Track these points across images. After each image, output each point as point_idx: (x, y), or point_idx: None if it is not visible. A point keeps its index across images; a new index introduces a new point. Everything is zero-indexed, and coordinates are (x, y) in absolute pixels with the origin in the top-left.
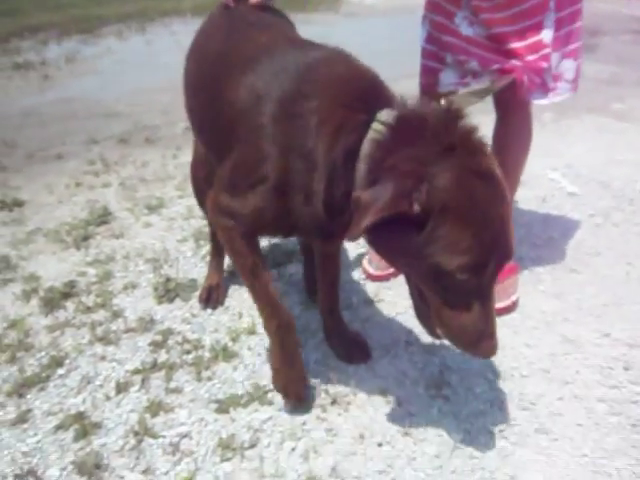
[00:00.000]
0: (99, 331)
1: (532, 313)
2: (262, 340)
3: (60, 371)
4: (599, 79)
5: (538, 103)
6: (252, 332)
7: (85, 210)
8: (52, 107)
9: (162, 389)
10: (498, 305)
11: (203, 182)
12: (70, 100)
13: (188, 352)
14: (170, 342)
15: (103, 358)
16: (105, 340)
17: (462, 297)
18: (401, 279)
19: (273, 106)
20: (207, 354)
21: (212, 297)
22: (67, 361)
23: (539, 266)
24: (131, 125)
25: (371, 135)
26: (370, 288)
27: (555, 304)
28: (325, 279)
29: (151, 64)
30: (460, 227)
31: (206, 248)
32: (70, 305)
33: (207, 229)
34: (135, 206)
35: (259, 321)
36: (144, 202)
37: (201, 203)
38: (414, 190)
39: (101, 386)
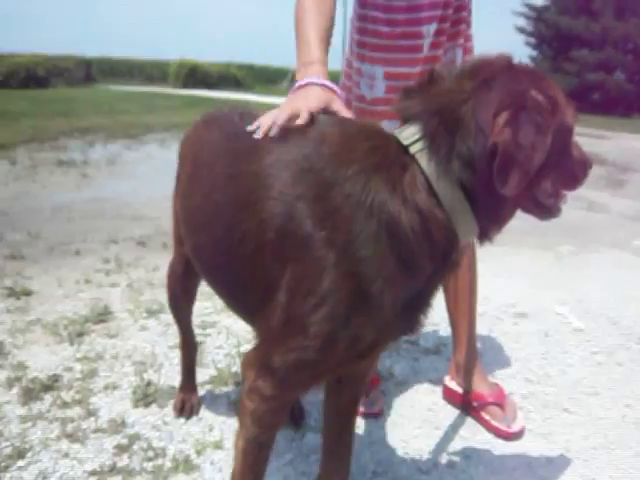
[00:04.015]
0: (69, 428)
1: (514, 452)
2: (227, 456)
3: (20, 463)
4: (624, 215)
5: None
6: (219, 447)
7: (88, 307)
8: (83, 205)
9: None
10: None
11: (178, 288)
12: (102, 200)
13: (150, 459)
14: (135, 447)
15: (66, 455)
16: (73, 437)
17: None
18: None
19: (311, 206)
20: (168, 464)
21: (186, 407)
22: (30, 454)
23: (529, 404)
24: (152, 229)
25: (415, 149)
26: None
27: (541, 444)
28: (340, 410)
29: None
30: (561, 93)
31: None
32: (48, 398)
33: (199, 338)
34: (136, 308)
35: (228, 435)
36: (146, 305)
37: (173, 301)
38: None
39: None
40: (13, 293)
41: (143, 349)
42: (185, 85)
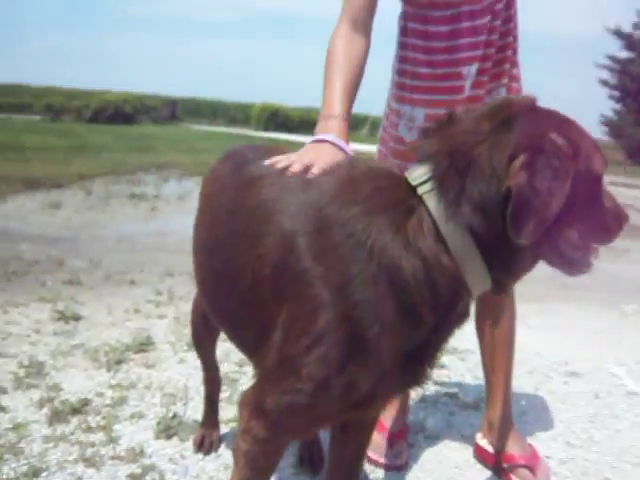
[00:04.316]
0: (88, 452)
1: None
2: None
3: None
4: None
5: None
6: None
7: (132, 336)
8: (147, 237)
9: None
10: None
11: (201, 325)
12: (166, 233)
13: None
14: (147, 478)
15: (79, 479)
16: (89, 462)
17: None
18: None
19: (309, 242)
20: None
21: (205, 442)
22: (44, 474)
23: (567, 469)
24: None
25: (423, 189)
26: None
27: None
28: (344, 460)
29: None
30: (588, 138)
31: (226, 394)
32: (74, 421)
33: (234, 375)
34: (178, 341)
35: None
36: (188, 339)
37: (196, 338)
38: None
39: None
40: (63, 317)
41: (177, 381)
42: (266, 128)
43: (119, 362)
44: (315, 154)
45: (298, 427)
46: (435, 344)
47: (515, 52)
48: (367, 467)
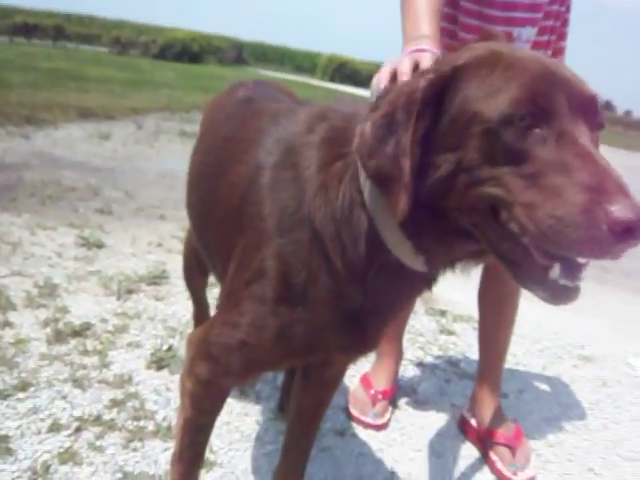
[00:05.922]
0: (79, 374)
1: None
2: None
3: (20, 395)
4: None
5: None
6: None
7: (149, 268)
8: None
9: (86, 444)
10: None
11: (193, 258)
12: None
13: (136, 419)
14: (128, 404)
15: (63, 397)
16: (77, 383)
17: (548, 160)
18: None
19: (269, 174)
20: (150, 427)
21: None
22: (32, 389)
23: (552, 453)
24: None
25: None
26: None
27: None
28: (304, 411)
29: None
30: (496, 72)
31: None
32: (73, 343)
33: None
34: None
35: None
36: None
37: (187, 271)
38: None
39: (42, 420)
40: (87, 243)
41: (181, 316)
42: (332, 79)
43: (130, 292)
44: (417, 55)
45: (238, 367)
46: (377, 308)
47: (565, 23)
48: (347, 422)
